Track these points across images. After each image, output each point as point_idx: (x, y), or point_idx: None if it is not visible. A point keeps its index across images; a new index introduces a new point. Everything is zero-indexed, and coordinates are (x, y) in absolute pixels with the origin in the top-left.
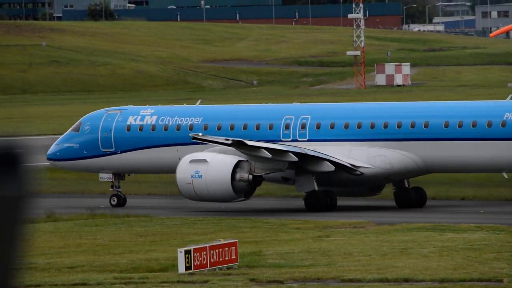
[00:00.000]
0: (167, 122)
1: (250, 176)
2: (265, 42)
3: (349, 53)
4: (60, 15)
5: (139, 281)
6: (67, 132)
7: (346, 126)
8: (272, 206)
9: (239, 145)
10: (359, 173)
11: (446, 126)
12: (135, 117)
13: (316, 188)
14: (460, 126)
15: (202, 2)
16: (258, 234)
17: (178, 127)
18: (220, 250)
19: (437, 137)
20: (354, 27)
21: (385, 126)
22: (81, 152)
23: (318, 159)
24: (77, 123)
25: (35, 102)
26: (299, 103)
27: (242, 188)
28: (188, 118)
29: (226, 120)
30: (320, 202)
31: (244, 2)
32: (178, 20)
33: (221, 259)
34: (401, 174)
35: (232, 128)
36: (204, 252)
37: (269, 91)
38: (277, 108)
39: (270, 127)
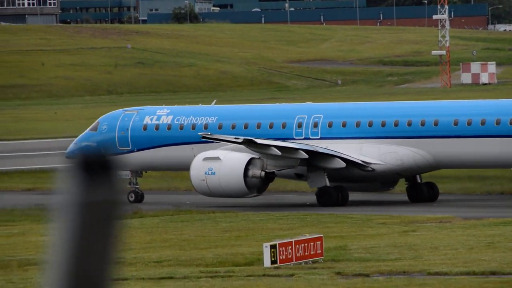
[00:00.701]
0: (182, 122)
1: (263, 173)
2: (350, 43)
3: (434, 52)
4: (145, 18)
5: (225, 274)
6: (85, 131)
7: (358, 125)
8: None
9: (249, 143)
10: (371, 169)
11: (456, 124)
12: (152, 117)
13: (328, 184)
14: (469, 124)
15: (287, 5)
16: (343, 229)
17: (193, 126)
18: (306, 244)
19: (447, 135)
20: (439, 27)
21: (396, 124)
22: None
23: (329, 156)
24: (94, 123)
25: (121, 103)
26: (311, 103)
27: (255, 184)
28: (203, 118)
29: (240, 119)
30: (332, 197)
31: (328, 5)
32: (263, 22)
33: (306, 254)
34: (411, 170)
35: (246, 127)
36: (290, 247)
37: (353, 90)
38: (290, 107)
39: (283, 126)
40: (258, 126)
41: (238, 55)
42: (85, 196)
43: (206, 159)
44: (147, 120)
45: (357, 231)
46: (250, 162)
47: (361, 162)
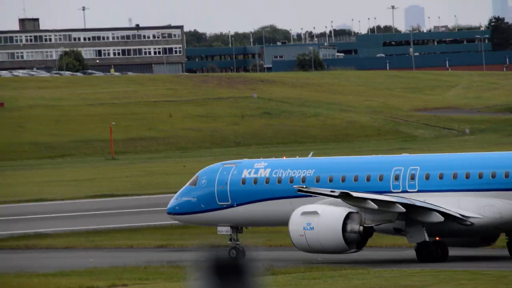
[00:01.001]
0: (280, 175)
1: (361, 228)
2: (476, 89)
3: None
4: (270, 65)
5: None
6: (184, 186)
7: (455, 177)
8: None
9: (345, 196)
10: (469, 223)
11: None
12: (250, 170)
13: (427, 239)
14: None
15: (411, 49)
16: (478, 286)
17: (291, 180)
18: None
19: None
20: None
21: (493, 176)
22: (199, 206)
23: (427, 210)
24: (194, 177)
25: (248, 154)
26: (408, 154)
27: (354, 239)
28: (301, 171)
29: (337, 172)
30: (431, 253)
31: (453, 49)
32: (387, 68)
33: None
34: (511, 223)
35: (343, 180)
36: None
37: (481, 140)
38: (387, 159)
39: (380, 178)
40: (356, 179)
41: (364, 104)
42: None
43: (304, 213)
44: (245, 173)
45: None
46: (348, 217)
47: (459, 216)
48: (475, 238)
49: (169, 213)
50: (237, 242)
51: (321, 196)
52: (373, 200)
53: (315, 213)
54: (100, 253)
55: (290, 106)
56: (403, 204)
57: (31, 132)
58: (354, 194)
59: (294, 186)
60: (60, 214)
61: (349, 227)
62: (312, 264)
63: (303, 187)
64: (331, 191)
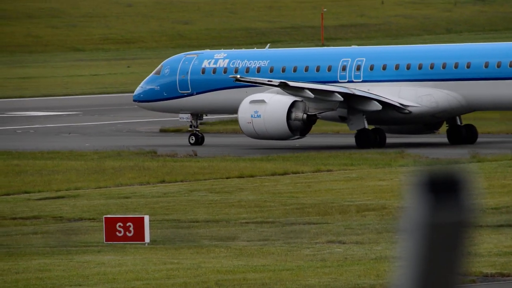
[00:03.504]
0: (237, 65)
1: (305, 115)
2: None
3: None
4: None
5: None
6: (149, 75)
7: (397, 68)
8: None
9: (284, 86)
10: (408, 111)
11: (486, 66)
12: (210, 60)
13: (366, 126)
14: (498, 66)
15: None
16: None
17: (247, 70)
18: None
19: (478, 77)
20: None
21: (432, 67)
22: (162, 94)
23: (367, 99)
24: (158, 66)
25: (460, 41)
26: (356, 46)
27: (298, 127)
28: (256, 61)
29: (289, 63)
30: (370, 139)
31: None
32: None
33: None
34: (446, 112)
35: (295, 70)
36: None
37: None
38: (336, 51)
39: (329, 69)
40: (306, 69)
41: None
42: (433, 217)
43: (252, 102)
44: (205, 63)
45: None
46: (293, 105)
47: (398, 105)
48: (419, 126)
49: (134, 100)
50: (197, 129)
51: (270, 86)
52: (311, 89)
53: (262, 101)
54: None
55: None
56: (342, 93)
57: (242, 18)
58: (291, 83)
59: (230, 76)
60: None
61: (294, 115)
62: None
63: (238, 77)
64: (269, 81)
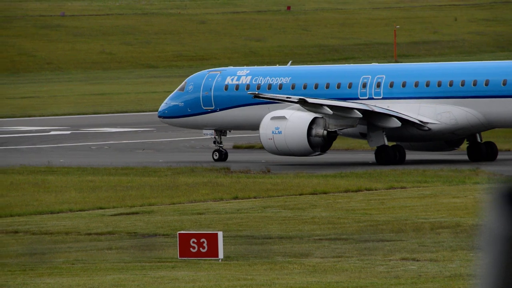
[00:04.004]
0: (259, 82)
1: (325, 132)
2: None
3: None
4: None
5: None
6: (174, 91)
7: (416, 85)
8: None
9: (303, 102)
10: (427, 128)
11: (504, 84)
12: (233, 77)
13: (386, 143)
14: None
15: None
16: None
17: (269, 86)
18: None
19: (496, 95)
20: None
21: (451, 85)
22: (186, 110)
23: (386, 116)
24: (183, 83)
25: None
26: (377, 64)
27: (318, 143)
28: (278, 78)
29: (311, 80)
30: (389, 155)
31: None
32: None
33: None
34: (465, 129)
35: (316, 87)
36: None
37: None
38: (357, 68)
39: (349, 86)
40: (327, 86)
41: None
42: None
43: (273, 118)
44: (228, 80)
45: None
46: (313, 122)
47: (417, 122)
48: (440, 143)
49: (159, 116)
50: (220, 145)
51: (290, 103)
52: (329, 106)
53: (283, 118)
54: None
55: None
56: (362, 110)
57: (315, 35)
58: (310, 100)
59: (249, 92)
60: None
61: (314, 131)
62: None
63: (256, 93)
64: (287, 97)
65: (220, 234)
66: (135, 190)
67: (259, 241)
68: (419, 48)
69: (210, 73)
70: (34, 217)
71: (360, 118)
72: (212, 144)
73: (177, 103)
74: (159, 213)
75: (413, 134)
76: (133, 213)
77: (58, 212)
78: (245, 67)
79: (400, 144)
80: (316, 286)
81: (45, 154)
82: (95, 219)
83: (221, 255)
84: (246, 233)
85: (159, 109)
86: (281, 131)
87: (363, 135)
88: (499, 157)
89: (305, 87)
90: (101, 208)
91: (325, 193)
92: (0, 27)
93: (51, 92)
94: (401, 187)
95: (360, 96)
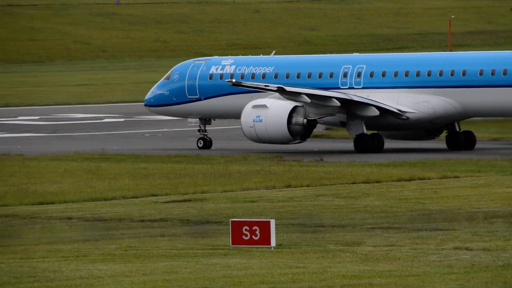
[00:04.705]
0: (243, 71)
1: (305, 120)
2: None
3: None
4: None
5: None
6: (160, 80)
7: (395, 75)
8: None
9: (282, 91)
10: (405, 117)
11: (481, 74)
12: (217, 66)
13: (365, 131)
14: (492, 74)
15: None
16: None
17: (253, 76)
18: None
19: (474, 84)
20: None
21: (429, 74)
22: (171, 99)
23: (365, 105)
24: (168, 72)
25: None
26: (358, 54)
27: (298, 131)
28: (262, 68)
29: (293, 69)
30: (368, 144)
31: None
32: None
33: None
34: (443, 118)
35: (298, 76)
36: None
37: None
38: (338, 58)
39: (331, 76)
40: (309, 76)
41: None
42: None
43: (254, 107)
44: (212, 69)
45: None
46: (294, 110)
47: (396, 111)
48: (420, 132)
49: (145, 105)
50: (205, 133)
51: (269, 91)
52: (307, 94)
53: (264, 106)
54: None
55: None
56: (340, 99)
57: (369, 25)
58: (288, 88)
59: (226, 80)
60: None
61: (294, 119)
62: None
63: (234, 81)
64: (265, 85)
65: (273, 222)
66: (188, 178)
67: (312, 229)
68: (474, 38)
69: (196, 62)
70: (87, 204)
71: (339, 107)
72: (197, 133)
73: (162, 92)
74: (211, 200)
75: (391, 123)
76: (185, 201)
77: (111, 199)
78: (230, 57)
79: (378, 132)
80: (368, 274)
81: (99, 141)
82: (148, 206)
83: (273, 243)
84: (299, 221)
85: (145, 98)
86: (262, 119)
87: (343, 124)
88: (477, 146)
89: (287, 77)
90: (154, 195)
91: (378, 182)
92: (55, 15)
93: (105, 79)
94: (455, 177)
95: (341, 86)
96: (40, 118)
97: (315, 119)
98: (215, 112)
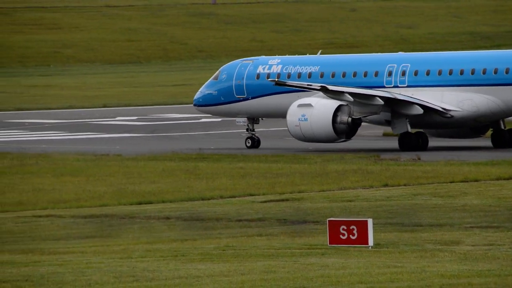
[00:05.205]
0: (289, 71)
1: (350, 119)
2: None
3: None
4: None
5: None
6: (208, 80)
7: (440, 73)
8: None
9: (325, 90)
10: (449, 115)
11: None
12: (264, 66)
13: (409, 130)
14: None
15: None
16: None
17: (299, 75)
18: None
19: None
20: None
21: (472, 73)
22: (219, 98)
23: (409, 103)
24: (216, 72)
25: None
26: (403, 53)
27: (343, 130)
28: (308, 67)
29: (339, 68)
30: (412, 142)
31: None
32: None
33: None
34: (486, 116)
35: (343, 75)
36: None
37: None
38: (383, 57)
39: (376, 74)
40: (354, 75)
41: None
42: None
43: (300, 106)
44: (260, 69)
45: None
46: (339, 109)
47: (440, 109)
48: (466, 130)
49: (194, 105)
50: (253, 132)
51: (313, 90)
52: (350, 93)
53: (309, 105)
54: None
55: None
56: (384, 98)
57: (467, 22)
58: (331, 87)
59: (269, 79)
60: None
61: (339, 118)
62: None
63: (277, 80)
64: (308, 85)
65: (370, 221)
66: (285, 177)
67: (409, 229)
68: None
69: (243, 62)
70: (185, 204)
71: (383, 105)
72: (245, 132)
73: (211, 92)
74: (308, 200)
75: (436, 121)
76: (283, 200)
77: (209, 199)
78: (276, 56)
79: (423, 131)
80: (467, 274)
81: (196, 141)
82: (245, 205)
83: (371, 242)
84: (396, 221)
85: (194, 98)
86: (307, 118)
87: (388, 122)
88: None
89: (333, 76)
90: (251, 195)
91: (476, 180)
92: (153, 15)
93: (202, 79)
94: None
95: (386, 84)
96: (137, 118)
97: (360, 117)
98: (262, 111)
